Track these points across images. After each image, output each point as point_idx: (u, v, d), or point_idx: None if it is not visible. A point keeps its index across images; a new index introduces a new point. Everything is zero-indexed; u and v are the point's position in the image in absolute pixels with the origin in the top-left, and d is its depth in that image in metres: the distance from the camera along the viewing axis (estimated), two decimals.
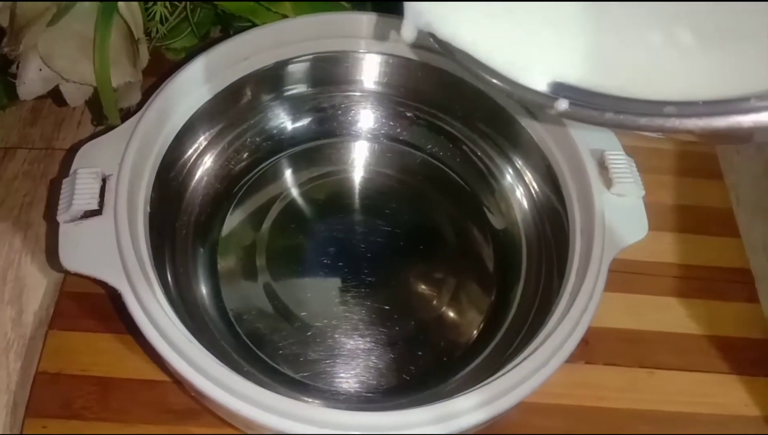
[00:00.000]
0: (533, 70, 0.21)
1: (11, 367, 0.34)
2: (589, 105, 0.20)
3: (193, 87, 0.33)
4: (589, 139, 0.32)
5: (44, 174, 0.40)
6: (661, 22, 0.20)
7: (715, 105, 0.18)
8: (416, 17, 0.22)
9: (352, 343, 0.34)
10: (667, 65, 0.20)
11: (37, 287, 0.36)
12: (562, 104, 0.20)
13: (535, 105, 0.21)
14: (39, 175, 0.40)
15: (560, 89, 0.21)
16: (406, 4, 0.23)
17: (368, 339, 0.34)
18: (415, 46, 0.35)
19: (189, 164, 0.35)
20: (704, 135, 0.19)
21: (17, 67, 0.33)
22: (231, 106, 0.36)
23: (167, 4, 0.38)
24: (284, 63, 0.36)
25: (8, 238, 0.38)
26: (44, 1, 0.33)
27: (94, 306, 0.34)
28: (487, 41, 0.22)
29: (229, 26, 0.41)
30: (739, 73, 0.19)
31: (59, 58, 0.32)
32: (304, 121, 0.39)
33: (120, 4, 0.34)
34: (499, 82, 0.21)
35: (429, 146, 0.39)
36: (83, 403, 0.32)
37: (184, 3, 0.38)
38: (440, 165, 0.39)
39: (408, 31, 0.23)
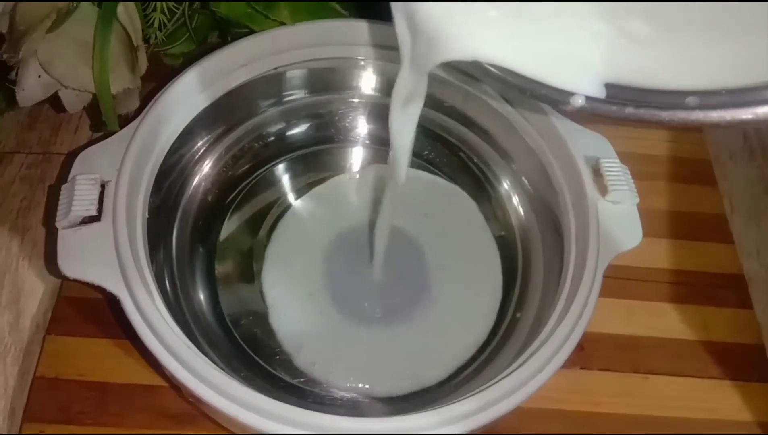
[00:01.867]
0: (550, 66, 0.20)
1: (8, 371, 0.34)
2: (607, 100, 0.19)
3: (191, 93, 0.33)
4: (584, 147, 0.32)
5: (42, 178, 0.40)
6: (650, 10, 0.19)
7: (739, 94, 0.17)
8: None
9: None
10: (677, 53, 0.19)
11: (35, 292, 0.36)
12: (578, 100, 0.19)
13: (550, 101, 0.20)
14: (37, 179, 0.40)
15: (577, 84, 0.19)
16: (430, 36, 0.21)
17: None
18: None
19: (187, 170, 0.35)
20: (730, 127, 0.18)
21: (16, 73, 0.33)
22: (229, 113, 0.36)
23: (165, 10, 0.38)
24: (282, 69, 0.36)
25: (5, 243, 0.38)
26: (46, 0, 0.33)
27: (92, 311, 0.34)
28: (498, 44, 0.20)
29: (227, 32, 0.41)
30: (757, 60, 0.18)
31: (58, 65, 0.33)
32: (302, 127, 0.39)
33: (119, 11, 0.34)
34: (511, 79, 0.20)
35: (425, 153, 0.39)
36: (81, 408, 0.32)
37: (182, 9, 0.39)
38: (437, 171, 0.39)
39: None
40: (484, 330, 0.34)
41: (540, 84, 0.20)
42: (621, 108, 0.19)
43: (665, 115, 0.18)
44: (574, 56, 0.20)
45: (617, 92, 0.19)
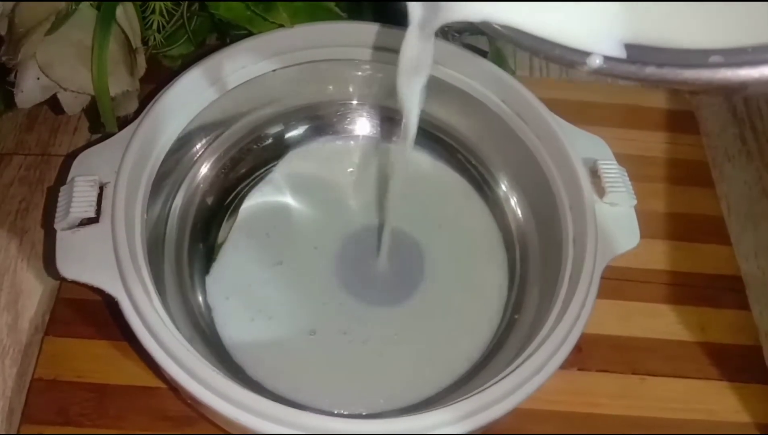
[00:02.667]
0: (565, 26, 0.19)
1: (7, 373, 0.34)
2: (626, 60, 0.18)
3: (190, 95, 0.33)
4: (581, 149, 0.33)
5: (40, 180, 0.40)
6: None
7: (766, 51, 0.16)
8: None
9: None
10: (698, 10, 0.18)
11: (33, 293, 0.36)
12: (596, 60, 0.18)
13: (565, 62, 0.18)
14: (35, 180, 0.40)
15: (595, 44, 0.18)
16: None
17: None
18: None
19: (186, 172, 0.35)
20: (758, 84, 0.17)
21: (15, 75, 0.33)
22: (227, 115, 0.36)
23: (164, 12, 0.38)
24: (281, 71, 0.36)
25: (4, 244, 0.38)
26: (46, 0, 0.33)
27: (90, 312, 0.34)
28: (510, 4, 0.19)
29: (225, 34, 0.41)
30: None
31: (57, 67, 0.33)
32: (301, 129, 0.39)
33: (118, 14, 0.34)
34: (523, 40, 0.19)
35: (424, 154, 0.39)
36: (79, 409, 0.32)
37: (180, 11, 0.39)
38: None
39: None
40: (489, 335, 0.34)
41: (553, 44, 0.19)
42: (641, 67, 0.18)
43: (689, 74, 0.17)
44: (590, 15, 0.18)
45: (636, 53, 0.18)
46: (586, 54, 0.18)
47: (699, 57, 0.17)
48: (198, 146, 0.36)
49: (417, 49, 0.23)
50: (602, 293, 0.29)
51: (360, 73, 0.38)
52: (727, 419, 0.34)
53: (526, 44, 0.19)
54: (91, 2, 0.34)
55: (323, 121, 0.39)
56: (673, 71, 0.17)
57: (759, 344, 0.37)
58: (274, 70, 0.36)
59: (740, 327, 0.37)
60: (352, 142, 0.40)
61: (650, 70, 0.17)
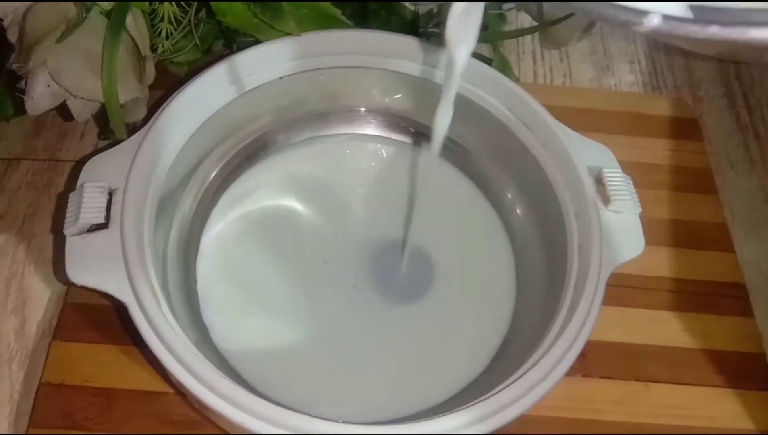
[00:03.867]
0: None
1: (14, 377, 0.34)
2: (687, 18, 0.17)
3: (198, 102, 0.34)
4: (586, 157, 0.33)
5: (48, 185, 0.40)
6: None
7: None
8: None
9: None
10: None
11: (41, 298, 0.36)
12: (654, 19, 0.17)
13: (618, 23, 0.17)
14: (42, 186, 0.40)
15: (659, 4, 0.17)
16: None
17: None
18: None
19: (194, 177, 0.36)
20: None
21: (26, 82, 0.33)
22: (235, 121, 0.36)
23: (173, 19, 0.38)
24: (288, 78, 0.36)
25: (12, 249, 0.38)
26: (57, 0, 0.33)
27: (97, 317, 0.34)
28: None
29: (232, 41, 0.42)
30: None
31: (68, 75, 0.33)
32: (308, 136, 0.40)
33: (128, 21, 0.34)
34: (575, 1, 0.18)
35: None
36: (86, 414, 0.32)
37: (188, 18, 0.39)
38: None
39: None
40: (494, 342, 0.34)
41: (607, 3, 0.17)
42: (704, 27, 0.17)
43: (755, 33, 0.16)
44: None
45: (695, 13, 0.17)
46: (644, 14, 0.17)
47: (763, 16, 0.16)
48: (206, 152, 0.36)
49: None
50: (606, 300, 0.29)
51: (366, 81, 0.38)
52: (729, 426, 0.34)
53: (577, 4, 0.18)
54: (101, 10, 0.34)
55: (330, 127, 0.40)
56: (738, 30, 0.16)
57: (762, 352, 0.37)
58: (281, 78, 0.36)
59: (744, 334, 0.37)
60: (359, 149, 0.40)
61: (714, 30, 0.16)
